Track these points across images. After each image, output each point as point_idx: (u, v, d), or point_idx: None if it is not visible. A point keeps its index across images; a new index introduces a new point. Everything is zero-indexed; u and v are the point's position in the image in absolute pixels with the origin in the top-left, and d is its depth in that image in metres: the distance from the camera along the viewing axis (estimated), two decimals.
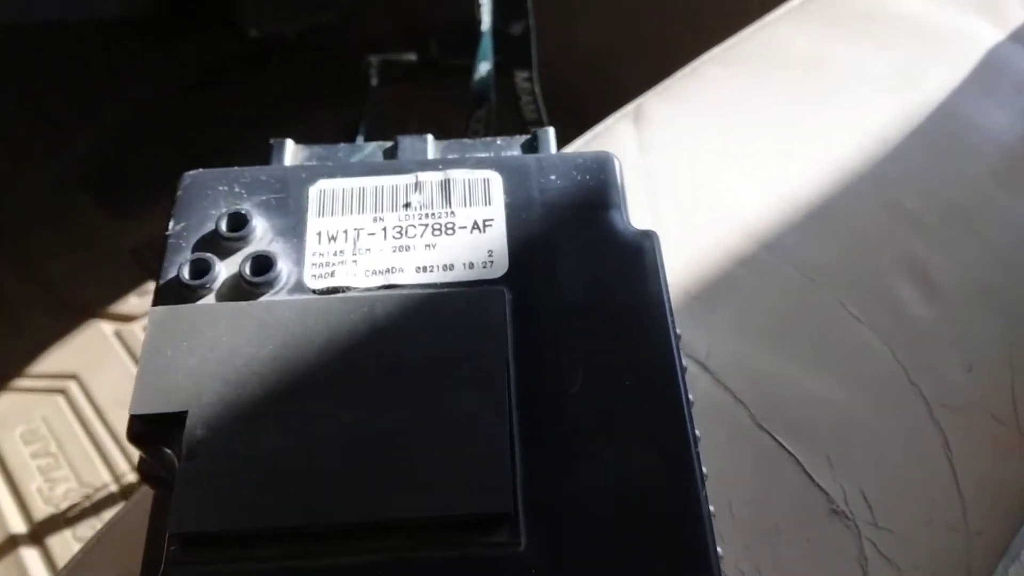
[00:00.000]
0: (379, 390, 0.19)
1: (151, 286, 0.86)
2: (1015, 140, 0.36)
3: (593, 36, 0.80)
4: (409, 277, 0.21)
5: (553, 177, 0.23)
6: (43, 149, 0.90)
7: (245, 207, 0.22)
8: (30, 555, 0.66)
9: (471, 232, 0.22)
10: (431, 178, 0.23)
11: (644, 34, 0.77)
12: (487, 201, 0.22)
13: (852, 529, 0.27)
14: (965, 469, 0.29)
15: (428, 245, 0.22)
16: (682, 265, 0.31)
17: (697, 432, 0.19)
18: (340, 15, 0.88)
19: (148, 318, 0.20)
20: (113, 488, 0.69)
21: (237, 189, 0.23)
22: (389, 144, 0.26)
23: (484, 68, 0.60)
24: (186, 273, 0.21)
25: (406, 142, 0.25)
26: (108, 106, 0.92)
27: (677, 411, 0.19)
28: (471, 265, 0.21)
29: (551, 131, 0.26)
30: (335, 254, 0.21)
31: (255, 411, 0.19)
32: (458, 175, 0.23)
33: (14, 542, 0.66)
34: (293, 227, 0.22)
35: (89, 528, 0.67)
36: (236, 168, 0.23)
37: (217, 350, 0.19)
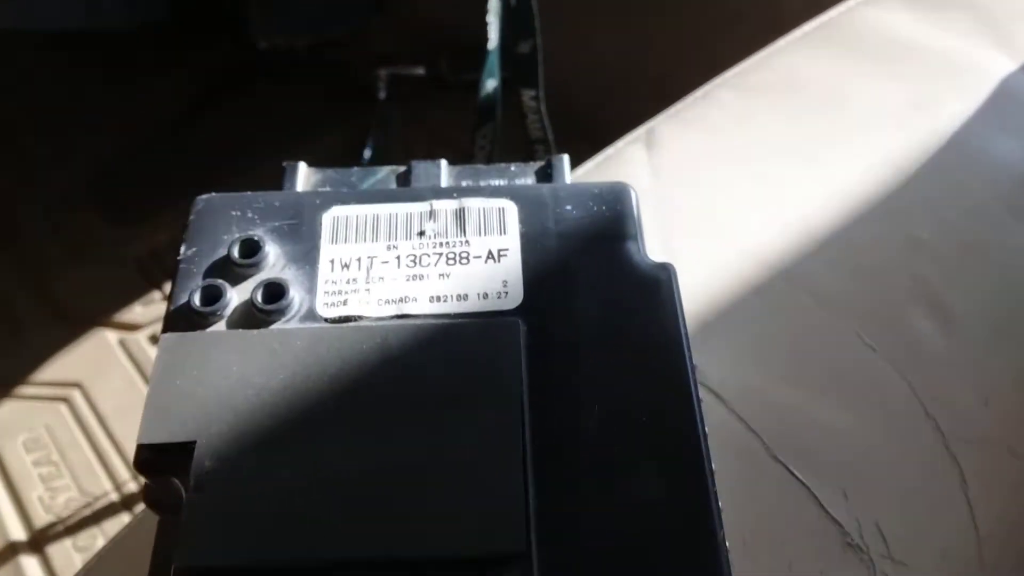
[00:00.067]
0: (391, 423, 0.19)
1: (156, 295, 0.86)
2: None
3: (601, 56, 0.80)
4: (422, 307, 0.21)
5: (569, 207, 0.23)
6: (48, 158, 0.91)
7: (258, 233, 0.22)
8: (30, 564, 0.65)
9: (486, 262, 0.22)
10: (446, 206, 0.23)
11: (651, 55, 0.77)
12: (502, 230, 0.22)
13: (867, 563, 0.27)
14: (981, 503, 0.29)
15: (442, 274, 0.21)
16: (695, 292, 0.31)
17: (713, 465, 0.19)
18: (351, 32, 0.88)
19: (158, 345, 0.20)
20: (114, 497, 0.69)
21: (250, 214, 0.22)
22: (402, 168, 0.26)
23: (491, 85, 0.60)
24: (197, 299, 0.21)
25: (420, 167, 0.25)
26: (114, 116, 0.92)
27: (695, 450, 0.19)
28: (485, 295, 0.21)
29: (566, 158, 0.26)
30: (348, 282, 0.21)
31: (265, 443, 0.18)
32: (473, 203, 0.23)
33: (14, 550, 0.66)
34: (306, 254, 0.22)
35: (90, 537, 0.67)
36: (249, 193, 0.23)
37: (228, 379, 0.19)
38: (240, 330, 0.20)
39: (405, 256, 0.22)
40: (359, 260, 0.22)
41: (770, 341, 0.31)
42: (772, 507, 0.27)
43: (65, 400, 0.73)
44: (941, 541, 0.28)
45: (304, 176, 0.25)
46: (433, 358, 0.20)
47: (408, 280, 0.21)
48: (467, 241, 0.22)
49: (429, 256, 0.22)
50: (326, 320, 0.21)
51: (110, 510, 0.68)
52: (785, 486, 0.28)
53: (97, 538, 0.66)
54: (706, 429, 0.19)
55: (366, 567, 0.17)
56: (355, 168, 0.26)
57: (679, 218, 0.34)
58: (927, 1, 0.44)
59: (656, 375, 0.20)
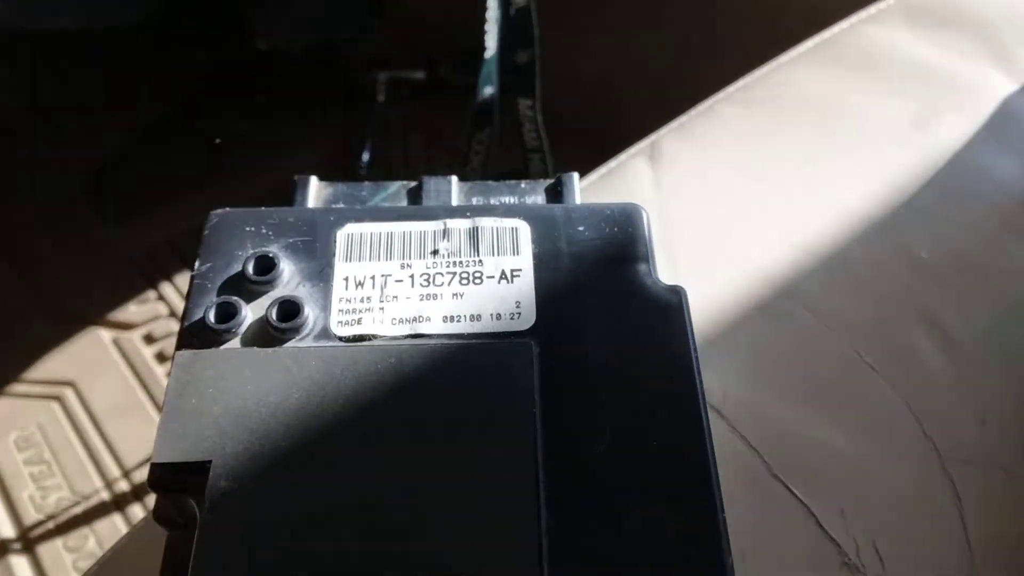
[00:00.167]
0: (404, 446, 0.19)
1: (151, 295, 0.86)
2: None
3: (599, 66, 0.80)
4: (436, 327, 0.21)
5: (581, 228, 0.23)
6: (45, 156, 0.90)
7: (272, 250, 0.22)
8: (20, 563, 0.65)
9: (499, 282, 0.22)
10: (459, 225, 0.23)
11: (649, 66, 0.77)
12: (515, 251, 0.22)
13: None
14: (976, 523, 0.29)
15: (456, 294, 0.22)
16: (696, 306, 0.31)
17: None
18: (351, 35, 0.88)
19: (173, 362, 0.20)
20: (106, 497, 0.68)
21: (264, 230, 0.22)
22: (413, 184, 0.26)
23: (488, 91, 0.60)
24: (212, 316, 0.21)
25: (431, 183, 0.25)
26: (111, 114, 0.91)
27: (704, 476, 0.19)
28: (498, 316, 0.21)
29: (575, 176, 0.26)
30: (362, 300, 0.21)
31: (279, 463, 0.19)
32: (486, 223, 0.23)
33: (4, 549, 0.65)
34: (320, 271, 0.22)
35: (80, 537, 0.66)
36: (263, 208, 0.23)
37: (242, 398, 0.19)
38: (255, 348, 0.20)
39: (419, 275, 0.22)
40: (373, 278, 0.22)
41: (771, 358, 0.31)
42: (771, 524, 0.28)
43: (58, 399, 0.73)
44: (936, 561, 0.28)
45: (315, 190, 0.25)
46: (446, 379, 0.20)
47: (422, 299, 0.21)
48: (480, 261, 0.22)
49: (443, 275, 0.22)
50: (340, 339, 0.21)
51: (101, 510, 0.68)
52: (784, 504, 0.28)
53: (88, 538, 0.66)
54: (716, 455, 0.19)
55: None
56: (367, 183, 0.26)
57: (682, 232, 0.34)
58: (928, 19, 0.44)
59: (667, 400, 0.20)
